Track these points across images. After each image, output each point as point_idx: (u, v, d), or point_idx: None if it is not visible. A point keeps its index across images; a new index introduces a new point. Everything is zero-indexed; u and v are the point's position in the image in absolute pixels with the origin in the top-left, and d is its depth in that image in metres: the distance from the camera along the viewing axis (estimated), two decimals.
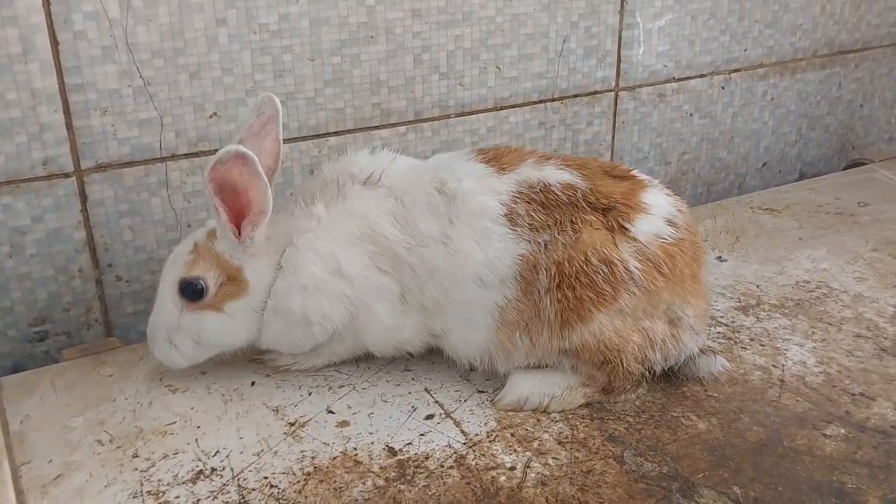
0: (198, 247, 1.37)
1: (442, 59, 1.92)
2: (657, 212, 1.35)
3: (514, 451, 1.29)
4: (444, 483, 1.22)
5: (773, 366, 1.49)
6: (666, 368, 1.41)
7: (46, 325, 1.71)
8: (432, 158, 1.48)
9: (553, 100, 2.11)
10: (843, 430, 1.32)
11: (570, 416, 1.37)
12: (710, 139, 2.40)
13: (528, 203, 1.34)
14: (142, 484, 1.23)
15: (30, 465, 1.28)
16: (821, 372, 1.47)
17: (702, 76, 2.31)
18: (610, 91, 2.18)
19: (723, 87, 2.36)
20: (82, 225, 1.68)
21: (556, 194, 1.33)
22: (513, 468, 1.26)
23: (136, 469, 1.26)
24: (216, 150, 1.70)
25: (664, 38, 2.20)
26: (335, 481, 1.23)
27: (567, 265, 1.30)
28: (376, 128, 1.91)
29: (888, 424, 1.33)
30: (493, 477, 1.24)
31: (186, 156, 1.73)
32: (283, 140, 1.82)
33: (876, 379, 1.44)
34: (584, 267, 1.30)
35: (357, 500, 1.19)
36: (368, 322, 1.40)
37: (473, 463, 1.26)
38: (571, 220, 1.32)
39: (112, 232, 1.71)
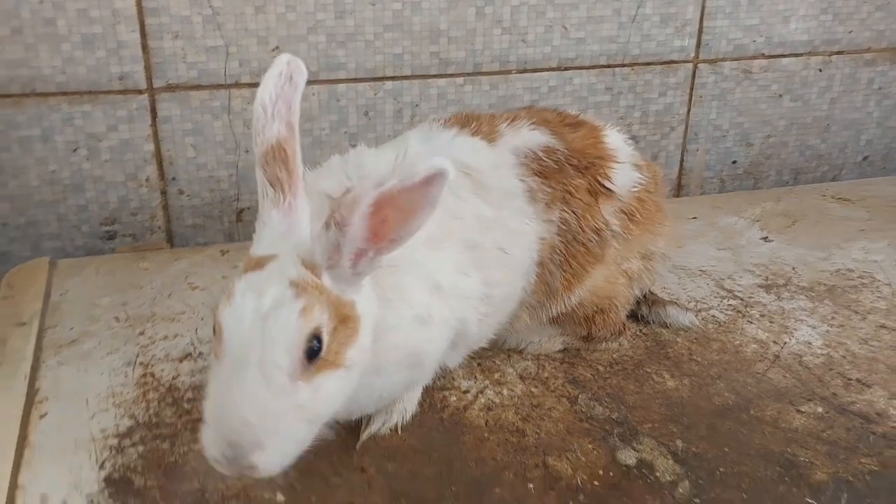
0: (301, 286, 0.94)
1: (505, 14, 1.95)
2: (624, 157, 1.36)
3: (475, 378, 1.33)
4: None
5: (774, 342, 1.43)
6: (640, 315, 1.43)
7: (115, 226, 1.89)
8: (410, 140, 1.29)
9: (623, 65, 2.08)
10: (820, 409, 1.26)
11: (542, 358, 1.38)
12: (801, 124, 2.28)
13: (533, 176, 1.28)
14: (137, 356, 1.37)
15: (55, 329, 1.45)
16: (823, 354, 1.39)
17: (797, 55, 2.20)
18: (688, 62, 2.13)
19: (820, 70, 2.23)
20: (151, 138, 1.84)
21: (545, 161, 1.30)
22: (466, 392, 1.29)
23: (138, 344, 1.40)
24: None
25: (754, 11, 2.11)
26: None
27: (573, 241, 1.30)
28: (433, 76, 1.96)
29: (873, 411, 1.26)
30: (444, 396, 1.28)
31: (248, 85, 1.86)
32: (341, 80, 1.94)
33: (881, 369, 1.36)
34: (583, 238, 1.31)
35: None
36: (465, 335, 1.23)
37: (433, 383, 1.30)
38: (567, 191, 1.31)
39: (177, 148, 1.87)
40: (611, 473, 1.13)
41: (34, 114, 1.75)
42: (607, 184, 1.32)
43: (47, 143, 1.78)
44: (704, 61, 2.14)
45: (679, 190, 2.25)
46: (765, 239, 1.80)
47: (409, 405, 1.23)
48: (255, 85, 1.80)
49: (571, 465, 1.14)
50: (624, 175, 1.34)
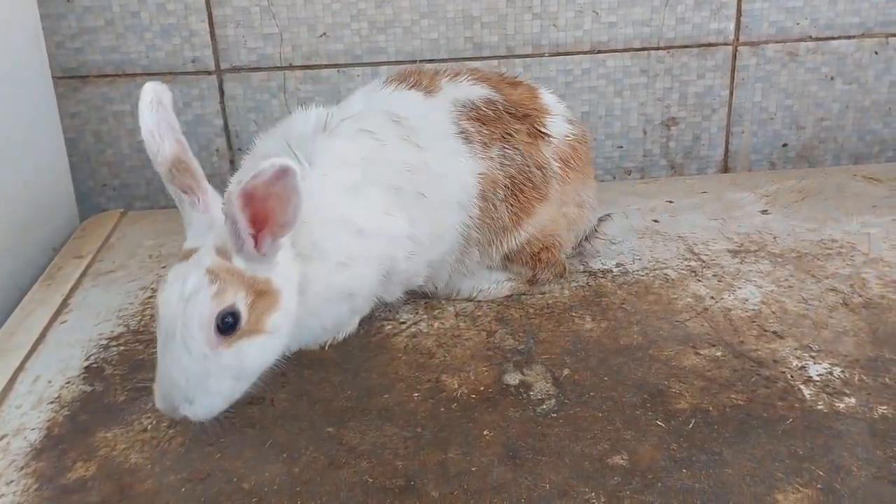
0: (215, 272, 1.12)
1: (535, 0, 2.08)
2: (557, 111, 1.50)
3: (416, 313, 1.48)
4: None
5: (711, 297, 1.47)
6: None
7: None
8: (352, 98, 1.47)
9: (657, 48, 2.14)
10: (718, 353, 1.31)
11: (486, 302, 1.51)
12: (858, 108, 2.22)
13: (469, 121, 1.42)
14: (151, 283, 1.64)
15: (101, 262, 1.76)
16: (753, 309, 1.42)
17: (848, 38, 2.15)
18: (727, 45, 2.15)
19: (876, 52, 2.17)
20: (220, 114, 2.15)
21: (484, 110, 1.43)
22: (403, 323, 1.45)
23: (157, 275, 1.68)
24: (325, 66, 2.11)
25: None
26: None
27: (517, 175, 1.44)
28: (468, 59, 2.13)
29: (772, 358, 1.29)
30: (381, 325, 1.45)
31: (300, 67, 2.12)
32: (382, 63, 2.16)
33: (806, 324, 1.37)
34: (528, 172, 1.45)
35: None
36: (395, 272, 1.38)
37: (377, 314, 1.47)
38: (507, 133, 1.45)
39: (241, 122, 2.16)
40: (490, 390, 1.26)
41: (125, 91, 2.11)
42: (543, 130, 1.46)
43: (135, 117, 2.12)
44: (745, 44, 2.15)
45: (725, 171, 2.26)
46: (763, 212, 1.81)
47: (347, 330, 1.41)
48: (307, 67, 2.11)
49: (459, 382, 1.28)
50: (558, 124, 1.50)
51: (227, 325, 1.11)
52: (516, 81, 1.54)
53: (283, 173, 1.06)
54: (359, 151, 1.33)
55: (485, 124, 1.43)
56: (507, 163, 1.43)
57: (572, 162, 1.48)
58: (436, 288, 1.51)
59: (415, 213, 1.35)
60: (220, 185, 1.32)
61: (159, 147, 1.21)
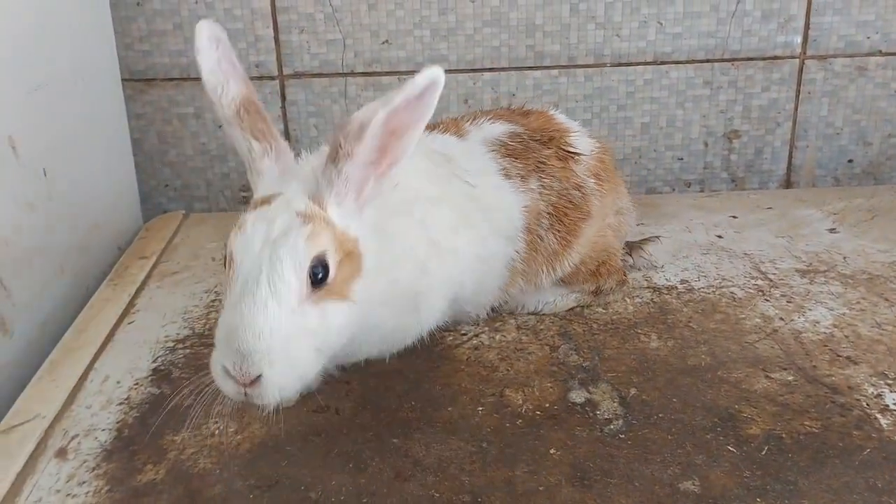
0: (308, 215, 1.02)
1: (599, 10, 2.06)
2: (576, 129, 1.51)
3: (477, 325, 1.48)
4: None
5: (780, 318, 1.44)
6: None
7: (250, 192, 2.23)
8: None
9: (722, 60, 2.11)
10: (791, 378, 1.28)
11: (548, 315, 1.50)
12: None
13: (503, 157, 1.40)
14: (216, 286, 1.66)
15: (167, 263, 1.79)
16: (825, 333, 1.39)
17: None
18: (794, 58, 2.11)
19: None
20: (281, 119, 2.17)
21: (511, 144, 1.42)
22: (464, 334, 1.45)
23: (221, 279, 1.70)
24: (386, 72, 2.12)
25: (868, 7, 2.05)
26: None
27: (557, 201, 1.42)
28: (529, 68, 2.12)
29: (846, 385, 1.26)
30: (444, 336, 1.44)
31: (362, 74, 2.13)
32: (444, 71, 2.15)
33: (880, 350, 1.34)
34: (567, 195, 1.43)
35: None
36: (461, 297, 1.35)
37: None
38: (539, 162, 1.43)
39: (302, 127, 2.18)
40: (556, 407, 1.24)
41: (189, 95, 2.13)
42: (571, 148, 1.46)
43: (199, 120, 2.16)
44: (812, 57, 2.11)
45: (788, 186, 2.22)
46: (831, 230, 1.77)
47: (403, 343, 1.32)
48: (369, 74, 2.11)
49: (524, 397, 1.27)
50: (582, 141, 1.49)
51: (318, 277, 1.00)
52: (526, 111, 1.54)
53: (434, 86, 0.99)
54: (429, 167, 1.31)
55: (517, 158, 1.41)
56: (546, 191, 1.41)
57: (603, 174, 1.48)
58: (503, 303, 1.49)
59: (480, 231, 1.34)
60: None
61: (224, 86, 1.10)
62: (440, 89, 1.00)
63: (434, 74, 0.98)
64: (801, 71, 2.12)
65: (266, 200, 1.06)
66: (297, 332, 0.99)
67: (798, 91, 2.14)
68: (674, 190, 2.22)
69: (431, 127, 1.44)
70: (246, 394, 0.98)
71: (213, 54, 1.11)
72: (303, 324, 0.99)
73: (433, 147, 1.37)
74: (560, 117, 1.55)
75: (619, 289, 1.53)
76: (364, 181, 1.05)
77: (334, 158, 1.02)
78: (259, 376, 0.96)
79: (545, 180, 1.41)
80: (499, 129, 1.45)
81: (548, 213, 1.41)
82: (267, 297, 0.97)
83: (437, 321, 1.34)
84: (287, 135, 2.17)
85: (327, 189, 1.04)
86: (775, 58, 2.11)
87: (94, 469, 1.16)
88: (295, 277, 0.98)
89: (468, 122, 1.47)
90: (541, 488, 1.08)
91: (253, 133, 1.11)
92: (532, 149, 1.43)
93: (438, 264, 1.25)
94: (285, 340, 0.97)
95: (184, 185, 2.21)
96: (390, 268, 1.15)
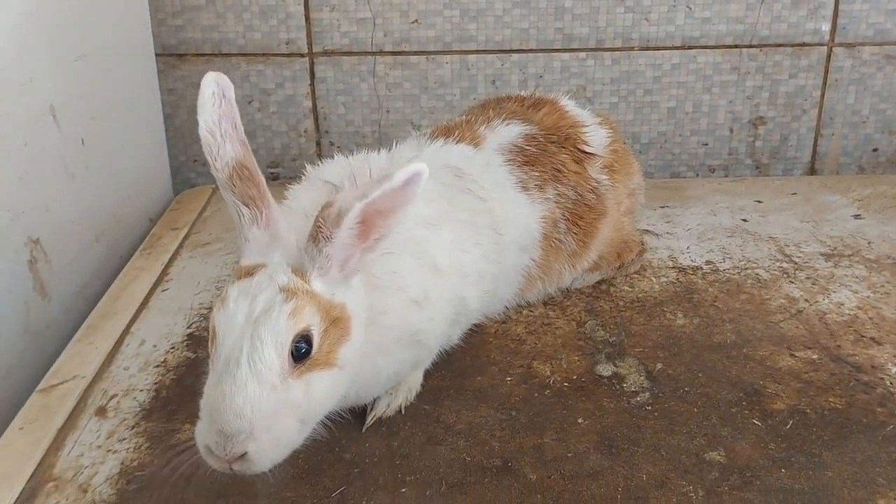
0: (291, 290, 1.00)
1: None
2: (588, 119, 1.52)
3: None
4: None
5: (805, 300, 1.46)
6: None
7: (278, 169, 2.27)
8: (401, 149, 1.37)
9: (750, 46, 2.12)
10: (815, 356, 1.30)
11: (574, 291, 1.53)
12: None
13: (520, 167, 1.39)
14: None
15: (198, 234, 1.82)
16: (850, 314, 1.41)
17: None
18: (822, 45, 2.11)
19: None
20: (310, 96, 2.19)
21: (529, 149, 1.41)
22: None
23: None
24: (415, 52, 2.14)
25: None
26: None
27: (573, 206, 1.44)
28: (557, 51, 2.13)
29: (870, 364, 1.27)
30: None
31: (390, 53, 2.15)
32: (472, 52, 2.17)
33: None
34: (583, 199, 1.45)
35: None
36: (465, 312, 1.29)
37: None
38: (556, 170, 1.43)
39: (330, 105, 2.20)
40: (583, 379, 1.27)
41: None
42: (586, 148, 1.47)
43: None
44: (841, 45, 2.12)
45: (812, 174, 2.23)
46: (856, 216, 1.78)
47: (413, 385, 1.26)
48: (397, 53, 2.13)
49: (551, 369, 1.30)
50: (597, 135, 1.50)
51: (300, 352, 0.98)
52: (536, 101, 1.54)
53: (417, 177, 0.96)
54: (433, 187, 1.23)
55: (534, 166, 1.40)
56: (562, 199, 1.42)
57: (616, 165, 1.50)
58: None
59: (489, 248, 1.30)
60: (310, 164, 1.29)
61: (220, 148, 1.06)
62: (424, 181, 0.97)
63: (416, 170, 0.95)
64: (828, 58, 2.13)
65: (249, 272, 1.03)
66: (280, 407, 0.97)
67: (825, 78, 2.15)
68: (697, 175, 2.23)
69: (446, 133, 1.42)
70: (232, 468, 0.96)
71: (215, 112, 1.06)
72: (285, 398, 0.97)
73: (447, 161, 1.34)
74: (571, 108, 1.54)
75: (640, 258, 1.57)
76: (349, 257, 1.03)
77: (315, 239, 1.00)
78: (245, 453, 0.95)
79: (560, 188, 1.41)
80: (513, 131, 1.44)
81: (564, 219, 1.41)
82: (247, 376, 0.95)
83: (443, 344, 1.30)
84: (315, 112, 2.20)
85: (310, 264, 1.01)
86: (803, 45, 2.12)
87: (133, 427, 1.20)
88: (276, 356, 0.96)
89: (482, 126, 1.45)
90: (569, 454, 1.11)
91: (243, 199, 1.07)
92: (548, 153, 1.43)
93: (438, 291, 1.19)
94: (267, 417, 0.95)
95: None
96: (381, 316, 1.12)
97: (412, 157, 1.29)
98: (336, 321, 1.02)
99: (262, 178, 1.07)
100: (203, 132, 1.05)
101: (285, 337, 0.96)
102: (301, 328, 0.97)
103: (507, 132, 1.44)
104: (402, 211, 0.99)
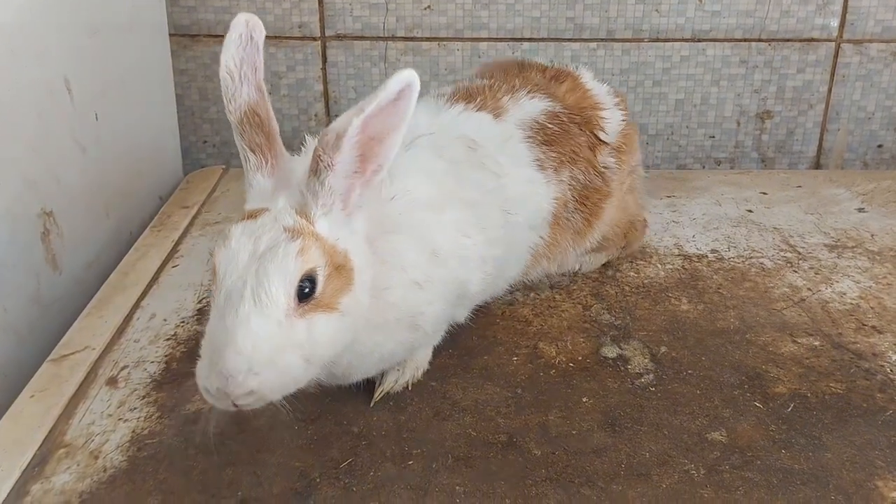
0: (296, 230, 0.99)
1: None
2: (608, 101, 1.52)
3: (516, 288, 1.50)
4: None
5: (808, 289, 1.48)
6: None
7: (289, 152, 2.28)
8: (416, 116, 1.21)
9: (759, 40, 2.13)
10: (817, 343, 1.32)
11: (581, 275, 1.54)
12: None
13: (540, 146, 1.38)
14: None
15: (208, 213, 1.84)
16: (852, 303, 1.43)
17: None
18: (830, 41, 2.13)
19: None
20: (321, 80, 2.21)
21: (550, 128, 1.40)
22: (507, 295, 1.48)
23: None
24: (427, 38, 2.15)
25: None
26: None
27: (583, 189, 1.45)
28: (567, 40, 2.15)
29: (871, 352, 1.29)
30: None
31: (402, 38, 2.16)
32: (483, 39, 2.19)
33: None
34: (591, 182, 1.46)
35: None
36: (466, 295, 1.27)
37: None
38: (573, 152, 1.43)
39: (341, 89, 2.22)
40: (588, 361, 1.29)
41: None
42: (602, 136, 1.47)
43: None
44: (849, 41, 2.13)
45: (817, 168, 2.24)
46: (860, 210, 1.80)
47: (421, 363, 1.26)
48: (409, 39, 2.15)
49: (557, 350, 1.31)
50: (613, 120, 1.50)
51: (304, 292, 0.97)
52: (558, 74, 1.54)
53: (409, 89, 0.95)
54: (440, 165, 1.24)
55: (553, 146, 1.39)
56: (574, 183, 1.43)
57: (624, 146, 1.51)
58: None
59: (494, 231, 1.27)
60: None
61: (236, 91, 1.05)
62: (416, 93, 0.96)
63: (407, 77, 0.94)
64: (836, 54, 2.14)
65: (252, 215, 1.03)
66: (284, 343, 0.96)
67: (833, 74, 2.16)
68: (703, 167, 2.25)
69: (467, 98, 1.39)
70: (236, 405, 0.95)
71: (238, 53, 1.05)
72: (289, 335, 0.97)
73: (462, 131, 1.31)
74: (591, 84, 1.54)
75: (643, 235, 1.60)
76: (350, 190, 1.03)
77: (316, 171, 0.99)
78: (250, 391, 0.94)
79: (574, 172, 1.42)
80: (537, 106, 1.42)
81: (572, 199, 1.43)
82: (251, 311, 0.94)
83: (444, 327, 1.30)
84: (326, 96, 2.21)
85: (313, 201, 1.01)
86: (812, 40, 2.13)
87: (144, 397, 1.22)
88: (283, 293, 0.96)
89: (507, 96, 1.42)
90: (574, 432, 1.13)
91: (250, 146, 1.06)
92: (569, 134, 1.43)
93: (438, 275, 1.18)
94: (271, 352, 0.95)
95: (222, 141, 2.25)
96: (384, 292, 1.11)
97: (427, 127, 1.27)
98: (339, 268, 1.01)
99: (275, 127, 1.07)
100: (223, 72, 1.05)
101: (294, 275, 0.96)
102: (309, 268, 0.97)
103: (531, 107, 1.42)
104: (397, 133, 0.99)
